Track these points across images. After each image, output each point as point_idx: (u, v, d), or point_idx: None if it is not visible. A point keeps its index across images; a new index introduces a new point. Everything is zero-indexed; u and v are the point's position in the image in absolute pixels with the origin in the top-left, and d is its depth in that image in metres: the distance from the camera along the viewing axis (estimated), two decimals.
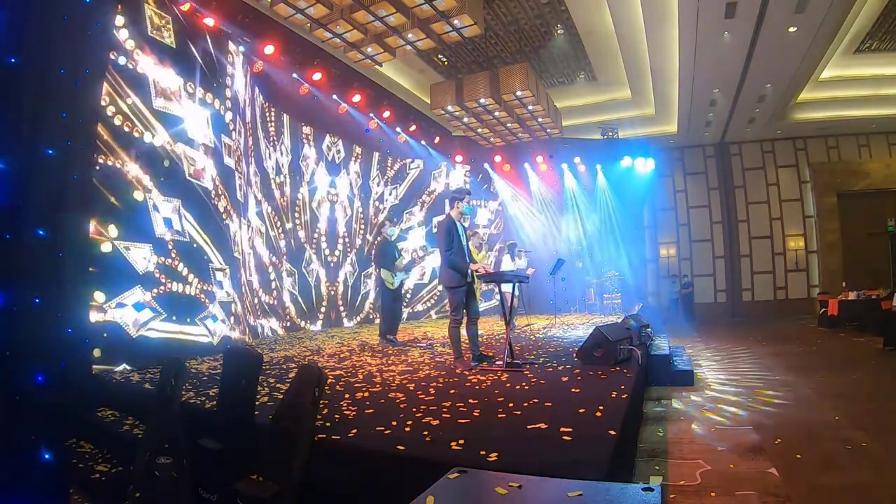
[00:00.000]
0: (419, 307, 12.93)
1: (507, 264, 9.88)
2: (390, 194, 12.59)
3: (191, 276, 6.24)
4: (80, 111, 3.83)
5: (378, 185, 12.26)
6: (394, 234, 7.54)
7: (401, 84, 10.93)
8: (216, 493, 2.65)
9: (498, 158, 14.04)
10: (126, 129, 5.65)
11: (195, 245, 6.40)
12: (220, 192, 6.96)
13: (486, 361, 5.01)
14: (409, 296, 12.48)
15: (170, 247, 6.02)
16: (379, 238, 7.54)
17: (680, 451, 3.41)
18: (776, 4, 7.78)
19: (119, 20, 5.54)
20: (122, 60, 5.67)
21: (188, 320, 6.13)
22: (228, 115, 7.40)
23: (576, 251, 14.15)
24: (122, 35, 5.71)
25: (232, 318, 6.90)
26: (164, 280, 5.88)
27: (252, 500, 2.30)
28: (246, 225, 7.98)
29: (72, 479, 3.16)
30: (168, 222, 6.02)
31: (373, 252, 9.50)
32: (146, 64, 6.01)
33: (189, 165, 6.46)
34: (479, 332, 5.32)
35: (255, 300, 8.33)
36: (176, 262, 6.07)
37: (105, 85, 5.13)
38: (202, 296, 6.38)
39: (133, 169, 5.66)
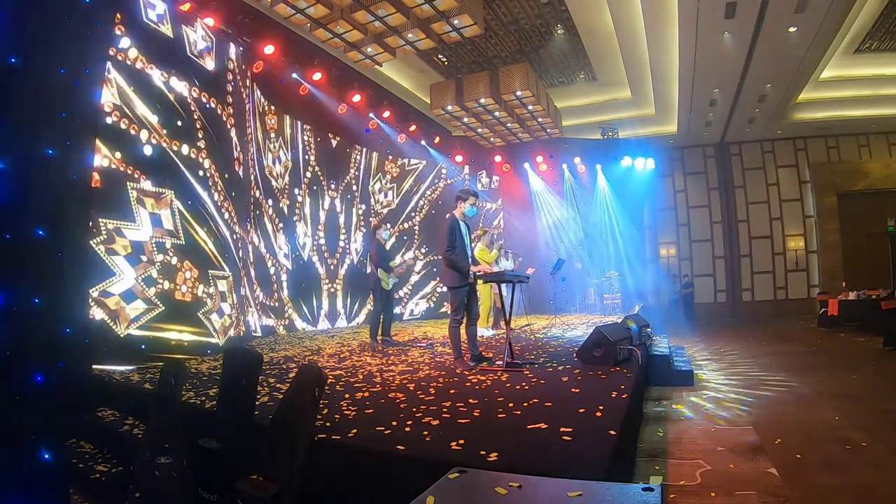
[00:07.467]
0: None
1: (501, 264, 9.77)
2: (390, 195, 12.58)
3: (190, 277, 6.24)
4: (80, 111, 3.82)
5: (378, 186, 12.25)
6: (387, 237, 7.57)
7: (401, 84, 10.93)
8: (216, 493, 2.66)
9: (498, 158, 14.03)
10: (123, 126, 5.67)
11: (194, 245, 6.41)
12: (224, 196, 6.96)
13: (486, 362, 5.01)
14: None
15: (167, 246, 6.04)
16: (378, 237, 7.57)
17: (680, 451, 3.40)
18: (776, 4, 7.77)
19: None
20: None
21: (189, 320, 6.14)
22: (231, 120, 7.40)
23: (575, 251, 14.16)
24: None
25: (232, 319, 6.89)
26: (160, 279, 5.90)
27: (252, 500, 2.30)
28: (246, 227, 7.97)
29: (72, 479, 3.16)
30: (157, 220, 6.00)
31: (370, 252, 9.48)
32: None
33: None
34: (479, 333, 5.32)
35: (256, 301, 8.33)
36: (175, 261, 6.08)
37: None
38: (204, 296, 6.38)
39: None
